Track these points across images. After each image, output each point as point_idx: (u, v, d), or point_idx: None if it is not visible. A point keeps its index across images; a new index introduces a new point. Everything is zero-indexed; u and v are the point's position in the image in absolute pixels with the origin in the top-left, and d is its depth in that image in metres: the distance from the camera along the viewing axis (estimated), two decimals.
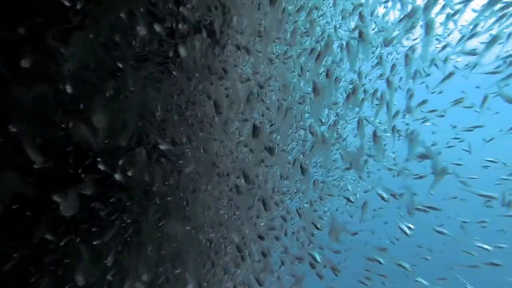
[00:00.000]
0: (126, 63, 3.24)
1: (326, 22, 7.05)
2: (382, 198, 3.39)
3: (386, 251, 4.83)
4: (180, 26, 3.19)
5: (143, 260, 2.91)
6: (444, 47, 4.49)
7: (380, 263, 4.75)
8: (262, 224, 5.87)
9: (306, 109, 7.34)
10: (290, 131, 6.93)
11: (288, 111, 3.74)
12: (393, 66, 3.48)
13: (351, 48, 3.09)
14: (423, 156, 2.58)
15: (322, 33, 5.36)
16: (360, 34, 2.95)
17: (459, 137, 10.74)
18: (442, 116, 6.07)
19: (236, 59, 4.57)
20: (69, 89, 2.54)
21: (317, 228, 3.07)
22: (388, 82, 3.12)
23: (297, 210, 4.90)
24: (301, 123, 7.28)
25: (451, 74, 3.29)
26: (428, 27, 2.66)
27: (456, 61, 6.95)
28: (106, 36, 2.96)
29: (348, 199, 4.13)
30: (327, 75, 3.00)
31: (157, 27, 2.56)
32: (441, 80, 3.97)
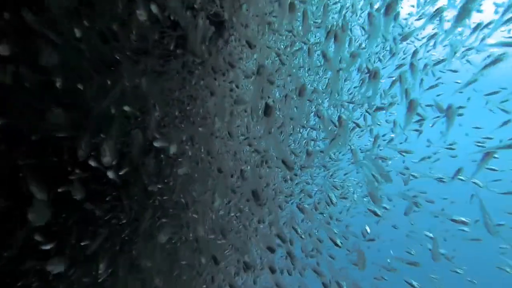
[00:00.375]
0: (124, 55, 3.03)
1: (332, 18, 6.88)
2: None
3: (419, 265, 4.54)
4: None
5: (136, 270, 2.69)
6: (476, 28, 4.20)
7: (414, 287, 4.45)
8: (262, 226, 5.63)
9: (311, 108, 7.14)
10: (294, 130, 6.73)
11: (295, 109, 3.52)
12: (414, 52, 3.26)
13: (373, 20, 2.87)
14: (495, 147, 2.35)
15: (331, 26, 5.13)
16: (387, 8, 2.74)
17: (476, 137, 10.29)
18: (461, 114, 5.78)
19: (239, 54, 4.36)
20: (59, 82, 2.32)
21: (337, 245, 2.84)
22: (412, 66, 2.90)
23: (297, 206, 4.67)
24: (305, 122, 7.07)
25: (496, 61, 3.02)
26: (464, 11, 2.44)
27: (468, 58, 6.68)
28: (102, 24, 2.75)
29: (375, 213, 3.81)
30: (351, 55, 2.80)
31: (154, 9, 2.34)
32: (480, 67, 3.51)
